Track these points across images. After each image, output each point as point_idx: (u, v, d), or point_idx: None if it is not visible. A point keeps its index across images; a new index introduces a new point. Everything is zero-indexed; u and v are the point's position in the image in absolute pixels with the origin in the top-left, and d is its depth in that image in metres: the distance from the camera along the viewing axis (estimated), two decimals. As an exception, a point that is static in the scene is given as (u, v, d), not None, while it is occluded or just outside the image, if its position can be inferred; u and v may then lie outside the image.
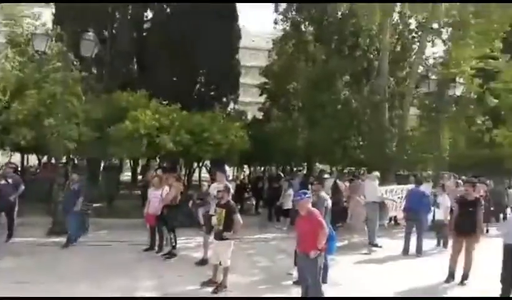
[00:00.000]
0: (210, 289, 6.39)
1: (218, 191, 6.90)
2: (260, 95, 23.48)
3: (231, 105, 21.50)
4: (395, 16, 17.84)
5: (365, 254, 9.35)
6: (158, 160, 16.19)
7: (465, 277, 7.17)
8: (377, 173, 10.82)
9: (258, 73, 24.79)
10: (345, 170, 18.93)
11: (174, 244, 8.44)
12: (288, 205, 11.86)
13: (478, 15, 14.74)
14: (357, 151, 15.67)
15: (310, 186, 9.20)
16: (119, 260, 8.02)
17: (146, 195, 9.57)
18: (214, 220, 6.63)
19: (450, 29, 16.03)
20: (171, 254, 8.38)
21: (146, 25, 20.19)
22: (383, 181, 12.32)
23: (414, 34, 18.62)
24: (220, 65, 18.36)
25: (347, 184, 12.17)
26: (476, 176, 15.56)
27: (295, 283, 6.51)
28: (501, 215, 14.35)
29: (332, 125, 15.41)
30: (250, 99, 36.14)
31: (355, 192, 10.23)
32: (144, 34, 19.90)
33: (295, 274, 6.70)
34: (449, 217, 9.18)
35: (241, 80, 23.67)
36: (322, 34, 18.53)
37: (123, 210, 12.88)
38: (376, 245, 9.75)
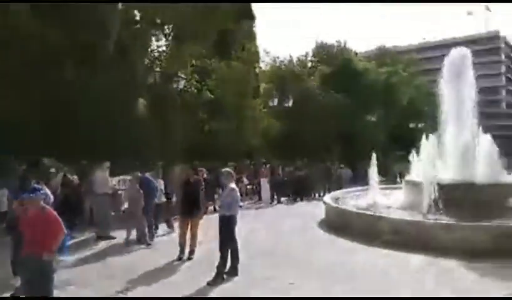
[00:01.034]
0: None
1: None
2: None
3: None
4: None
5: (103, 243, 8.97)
6: None
7: (192, 252, 7.97)
8: (107, 164, 10.49)
9: None
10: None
11: None
12: (3, 207, 9.96)
13: (195, 16, 16.41)
14: (85, 143, 14.61)
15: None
16: None
17: None
18: None
19: (172, 26, 17.19)
20: None
21: None
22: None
23: (138, 26, 18.91)
24: None
25: (75, 177, 11.32)
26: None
27: (14, 295, 5.57)
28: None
29: (52, 112, 13.73)
30: None
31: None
32: None
33: (17, 283, 5.68)
34: (163, 199, 9.97)
35: None
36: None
37: None
38: (110, 237, 9.48)
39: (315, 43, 39.01)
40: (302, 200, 17.18)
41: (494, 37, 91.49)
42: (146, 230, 9.25)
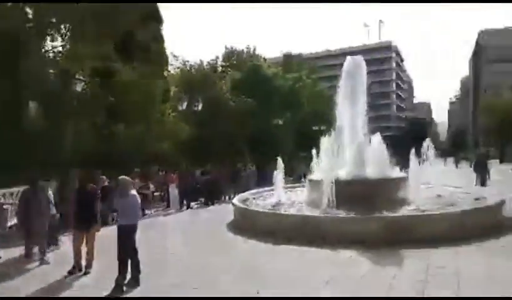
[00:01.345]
0: None
1: None
2: None
3: None
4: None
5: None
6: None
7: (88, 266, 7.37)
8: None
9: None
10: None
11: None
12: None
13: (94, 16, 15.42)
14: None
15: None
16: None
17: None
18: None
19: (68, 25, 15.99)
20: None
21: None
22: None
23: (31, 24, 17.24)
24: None
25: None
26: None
27: None
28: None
29: None
30: None
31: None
32: None
33: None
34: (54, 211, 9.15)
35: None
36: None
37: None
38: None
39: (225, 48, 39.36)
40: (212, 204, 17.09)
41: (386, 47, 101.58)
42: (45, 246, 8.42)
